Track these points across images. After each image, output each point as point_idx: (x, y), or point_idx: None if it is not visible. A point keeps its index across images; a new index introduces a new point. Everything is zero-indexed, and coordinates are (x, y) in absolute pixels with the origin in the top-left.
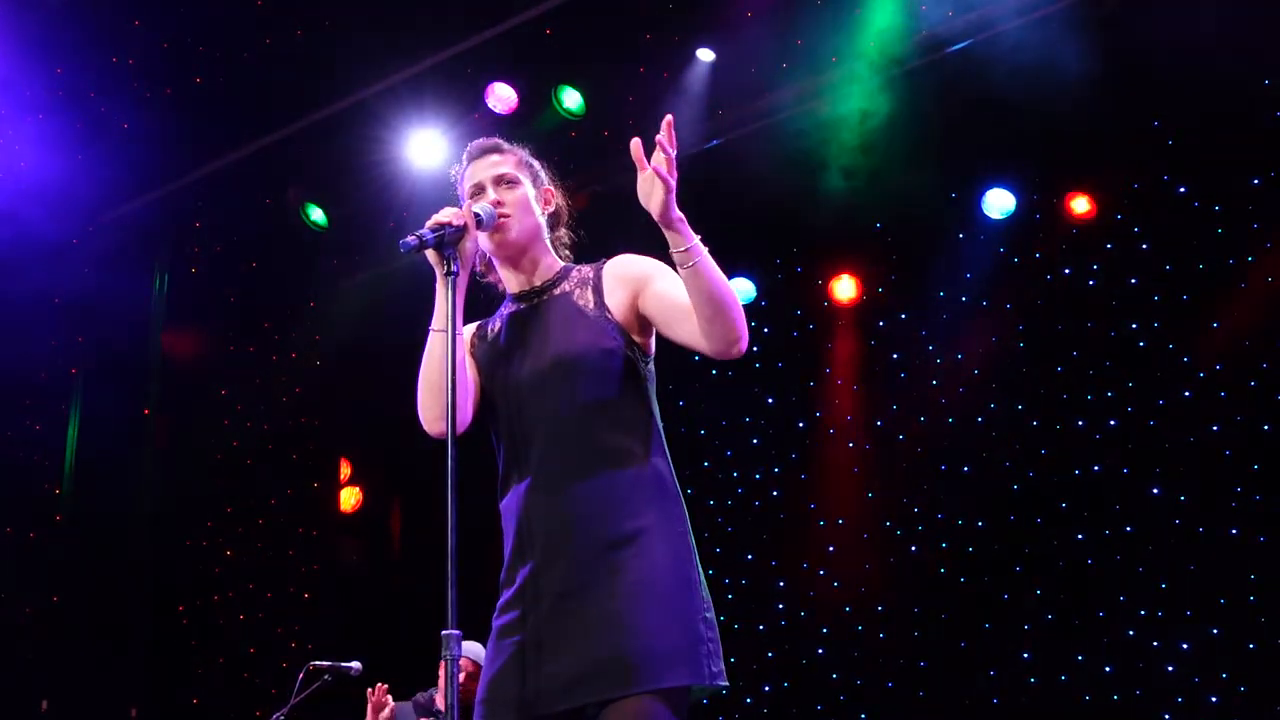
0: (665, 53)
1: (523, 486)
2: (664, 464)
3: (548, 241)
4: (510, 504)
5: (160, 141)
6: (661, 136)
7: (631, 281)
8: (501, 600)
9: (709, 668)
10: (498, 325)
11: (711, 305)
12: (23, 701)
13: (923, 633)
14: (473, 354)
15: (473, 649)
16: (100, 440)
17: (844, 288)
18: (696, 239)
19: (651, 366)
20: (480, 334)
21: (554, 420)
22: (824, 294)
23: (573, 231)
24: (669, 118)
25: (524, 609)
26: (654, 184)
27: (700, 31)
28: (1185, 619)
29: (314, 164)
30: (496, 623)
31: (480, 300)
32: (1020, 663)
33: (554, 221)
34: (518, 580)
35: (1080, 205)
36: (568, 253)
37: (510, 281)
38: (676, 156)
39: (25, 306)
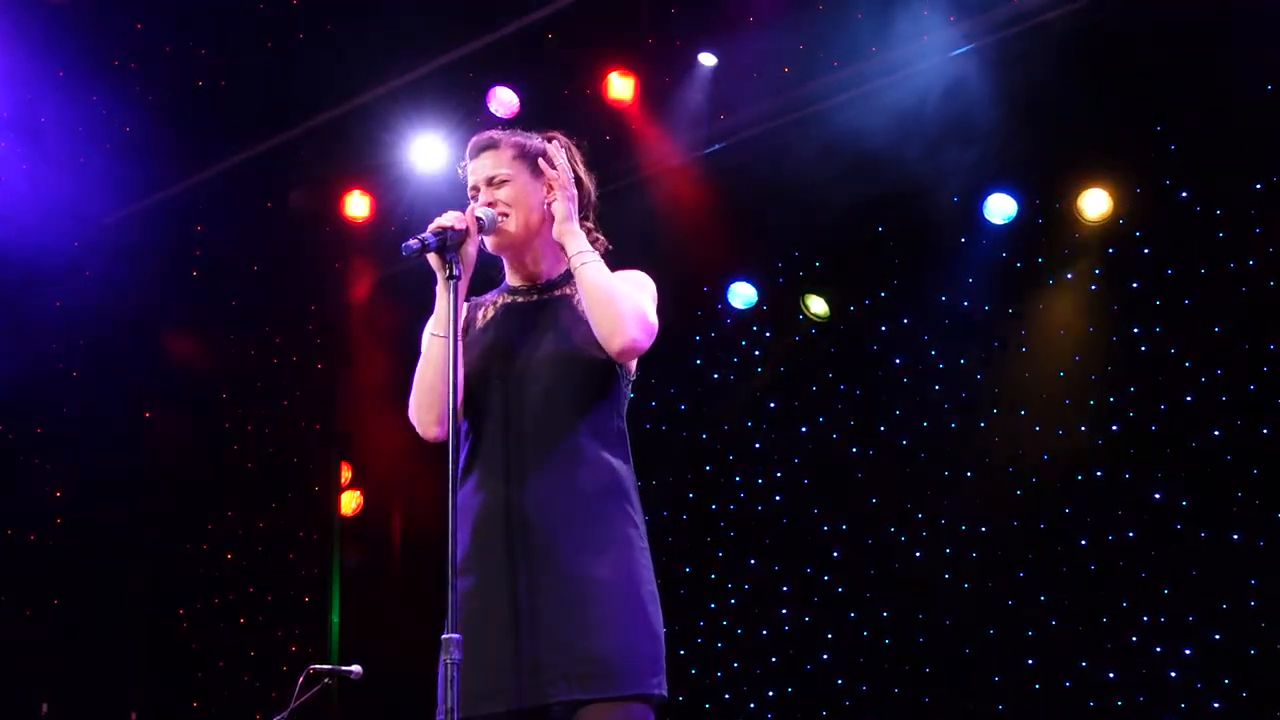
0: (667, 57)
1: (495, 480)
2: (632, 479)
3: (551, 238)
4: (476, 495)
5: (162, 144)
6: (554, 153)
7: None
8: (461, 593)
9: (664, 681)
10: (489, 314)
11: (598, 298)
12: (23, 704)
13: (927, 638)
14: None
15: None
16: (100, 442)
17: (816, 304)
18: (589, 248)
19: (629, 387)
20: (469, 320)
21: (538, 419)
22: (826, 299)
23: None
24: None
25: (495, 601)
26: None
27: (702, 36)
28: (1188, 624)
29: (315, 167)
30: (461, 616)
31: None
32: (1024, 668)
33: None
34: (483, 571)
35: (1082, 210)
36: (595, 235)
37: (512, 275)
38: (678, 162)
39: (26, 309)
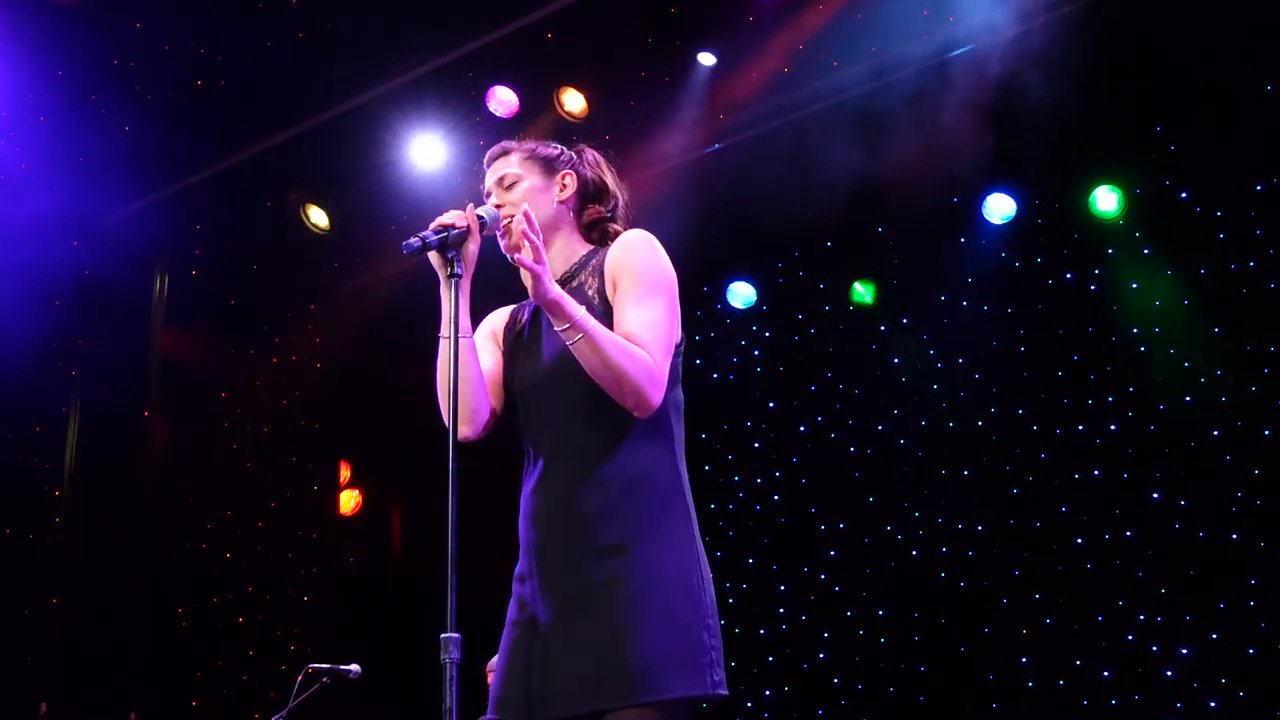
0: (666, 57)
1: (531, 484)
2: (669, 465)
3: (571, 227)
4: (523, 499)
5: (162, 144)
6: (524, 227)
7: (615, 281)
8: (513, 596)
9: (710, 677)
10: (525, 315)
11: (601, 379)
12: (22, 704)
13: (923, 637)
14: (499, 345)
15: None
16: (100, 442)
17: (865, 292)
18: (580, 313)
19: (676, 360)
20: (510, 324)
21: (557, 420)
22: (826, 298)
23: (614, 199)
24: (526, 208)
25: (531, 608)
26: (523, 270)
27: (701, 35)
28: (1184, 624)
29: (315, 167)
30: (509, 618)
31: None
32: (1019, 667)
33: (581, 201)
34: (526, 577)
35: (1081, 210)
36: (618, 228)
37: None
38: (677, 163)
39: (25, 308)
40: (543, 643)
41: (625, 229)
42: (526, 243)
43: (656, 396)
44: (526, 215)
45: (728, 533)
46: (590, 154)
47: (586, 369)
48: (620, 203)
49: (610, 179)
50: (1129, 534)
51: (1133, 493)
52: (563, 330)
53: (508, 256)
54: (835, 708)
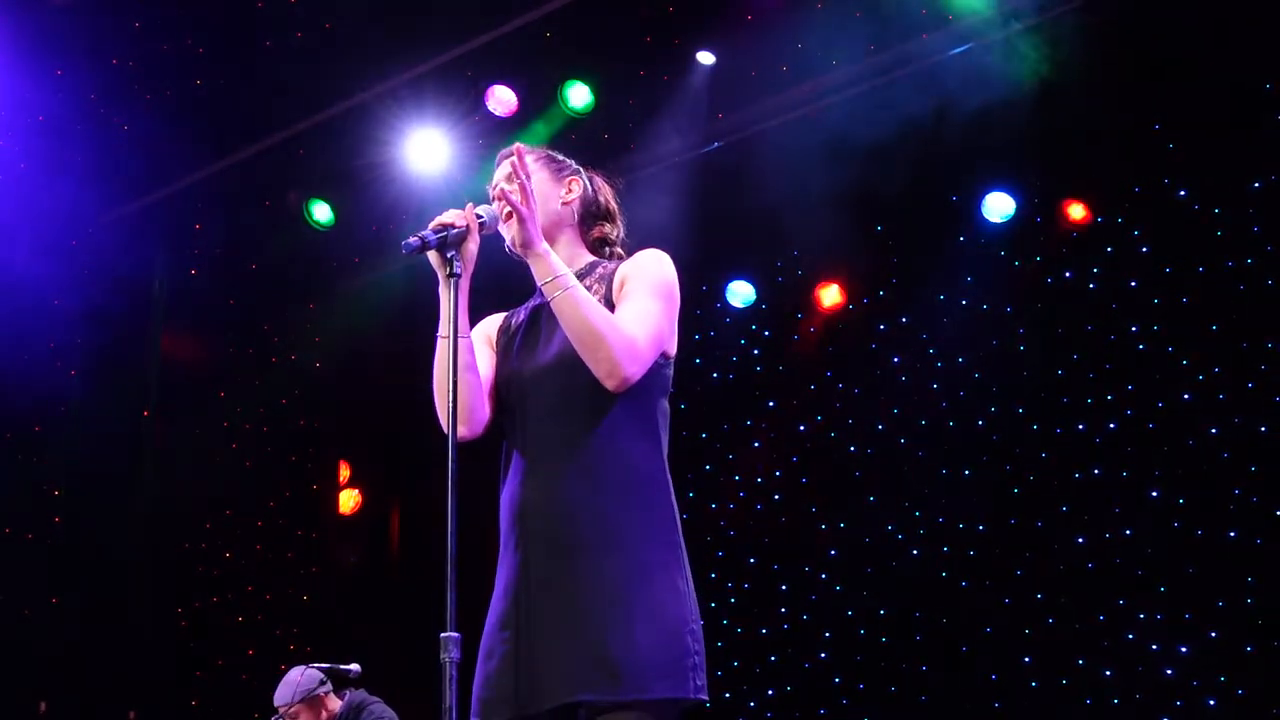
0: (665, 56)
1: (515, 480)
2: (658, 468)
3: (574, 233)
4: (505, 496)
5: (160, 143)
6: (517, 164)
7: (623, 285)
8: (495, 592)
9: (694, 681)
10: (521, 316)
11: (579, 338)
12: (21, 702)
13: (924, 636)
14: (494, 346)
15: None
16: (100, 441)
17: (829, 295)
18: (564, 271)
19: (666, 370)
20: (505, 325)
21: (548, 417)
22: (826, 297)
23: (614, 213)
24: (518, 145)
25: (514, 604)
26: (512, 223)
27: (700, 34)
28: (1184, 622)
29: (314, 166)
30: (490, 615)
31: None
32: (1021, 666)
33: (585, 211)
34: (508, 574)
35: (1080, 209)
36: (616, 235)
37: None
38: (677, 161)
39: (24, 307)
40: (527, 638)
41: (627, 253)
42: (515, 184)
43: (630, 370)
44: (519, 150)
45: (728, 533)
46: (599, 178)
47: (565, 328)
48: (621, 231)
49: (615, 204)
50: (1128, 533)
51: (1132, 491)
52: (546, 283)
53: (501, 232)
54: (835, 708)
